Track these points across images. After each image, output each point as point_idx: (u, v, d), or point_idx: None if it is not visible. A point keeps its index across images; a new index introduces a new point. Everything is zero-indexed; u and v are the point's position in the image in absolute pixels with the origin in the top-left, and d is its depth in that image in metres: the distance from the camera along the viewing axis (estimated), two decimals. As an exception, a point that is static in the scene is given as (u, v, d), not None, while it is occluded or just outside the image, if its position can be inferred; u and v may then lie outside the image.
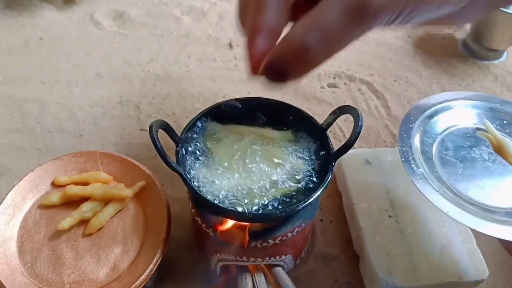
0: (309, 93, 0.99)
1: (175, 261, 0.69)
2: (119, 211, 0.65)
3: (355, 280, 0.70)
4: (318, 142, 0.62)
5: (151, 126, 0.53)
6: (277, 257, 0.63)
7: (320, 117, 0.96)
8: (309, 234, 0.72)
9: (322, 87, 1.00)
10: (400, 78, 1.04)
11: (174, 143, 0.58)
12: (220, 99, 0.96)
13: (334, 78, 1.03)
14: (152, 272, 0.59)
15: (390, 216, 0.72)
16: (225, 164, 0.58)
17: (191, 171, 0.58)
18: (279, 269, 0.66)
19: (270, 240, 0.58)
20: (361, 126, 0.56)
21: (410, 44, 1.13)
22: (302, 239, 0.66)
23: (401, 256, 0.67)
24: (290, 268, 0.68)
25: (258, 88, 1.00)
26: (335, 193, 0.80)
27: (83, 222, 0.64)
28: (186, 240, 0.72)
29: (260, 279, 0.64)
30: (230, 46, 1.09)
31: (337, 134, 0.91)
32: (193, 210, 0.61)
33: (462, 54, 1.11)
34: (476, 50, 1.10)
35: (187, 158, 0.59)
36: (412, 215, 0.72)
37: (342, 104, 0.97)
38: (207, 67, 1.04)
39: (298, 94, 0.99)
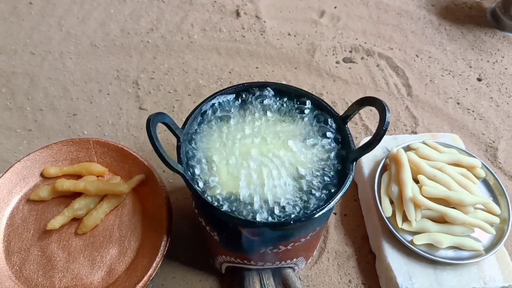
0: (323, 69, 0.91)
1: (176, 258, 0.64)
2: (115, 207, 0.60)
3: (371, 280, 0.64)
4: (337, 137, 0.55)
5: (148, 121, 0.46)
6: (288, 261, 0.57)
7: (335, 96, 0.89)
8: (323, 233, 0.67)
9: (337, 62, 0.92)
10: (422, 52, 0.95)
11: (175, 137, 0.52)
12: (226, 75, 0.88)
13: (350, 51, 0.94)
14: (152, 277, 0.54)
15: (411, 213, 0.65)
16: (233, 162, 0.51)
17: (195, 169, 0.51)
18: (289, 271, 0.61)
19: (281, 247, 0.52)
20: (388, 122, 0.48)
21: (434, 13, 1.03)
22: (315, 240, 0.61)
23: (423, 258, 0.61)
24: (301, 268, 0.63)
25: (267, 63, 0.92)
26: (350, 183, 0.74)
27: (76, 219, 0.58)
28: (188, 235, 0.66)
29: (269, 282, 0.59)
30: (238, 14, 0.99)
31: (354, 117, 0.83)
32: (196, 211, 0.55)
33: (491, 25, 1.01)
34: (506, 22, 1.00)
35: (190, 154, 0.52)
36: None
37: (359, 82, 0.89)
38: (212, 37, 0.95)
39: (311, 69, 0.90)
